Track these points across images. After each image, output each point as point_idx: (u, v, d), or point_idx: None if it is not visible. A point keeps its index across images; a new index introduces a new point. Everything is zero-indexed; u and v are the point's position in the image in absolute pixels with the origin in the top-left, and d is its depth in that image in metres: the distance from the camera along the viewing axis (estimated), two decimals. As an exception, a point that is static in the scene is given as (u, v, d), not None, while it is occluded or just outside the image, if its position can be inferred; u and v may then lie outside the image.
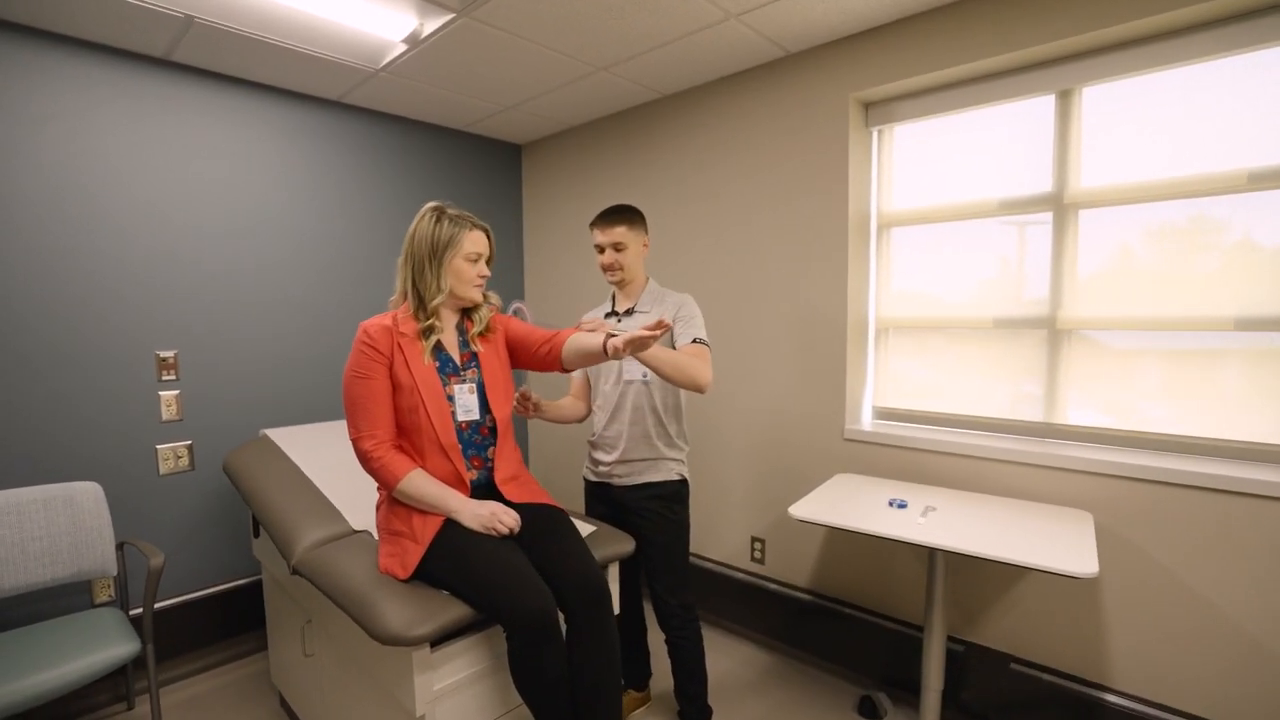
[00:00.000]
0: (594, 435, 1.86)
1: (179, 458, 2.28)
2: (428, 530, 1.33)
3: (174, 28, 1.94)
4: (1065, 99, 1.83)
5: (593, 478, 1.88)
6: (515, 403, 1.66)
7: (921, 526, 1.55)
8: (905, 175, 2.17)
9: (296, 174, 2.54)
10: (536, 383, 3.44)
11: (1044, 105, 1.87)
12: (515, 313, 1.72)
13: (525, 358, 1.57)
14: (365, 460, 1.37)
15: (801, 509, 1.70)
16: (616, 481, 1.80)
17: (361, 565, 1.41)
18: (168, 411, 2.25)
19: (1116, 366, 1.80)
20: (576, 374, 1.90)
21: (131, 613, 2.07)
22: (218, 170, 2.33)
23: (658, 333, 1.30)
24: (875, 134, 2.21)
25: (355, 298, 2.73)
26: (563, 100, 2.64)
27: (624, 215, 1.76)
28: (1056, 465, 1.77)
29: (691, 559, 2.38)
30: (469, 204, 3.15)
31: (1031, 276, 1.92)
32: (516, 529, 1.36)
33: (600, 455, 1.83)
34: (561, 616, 1.31)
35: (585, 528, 1.65)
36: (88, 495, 1.94)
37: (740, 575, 2.50)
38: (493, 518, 1.33)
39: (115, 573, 1.97)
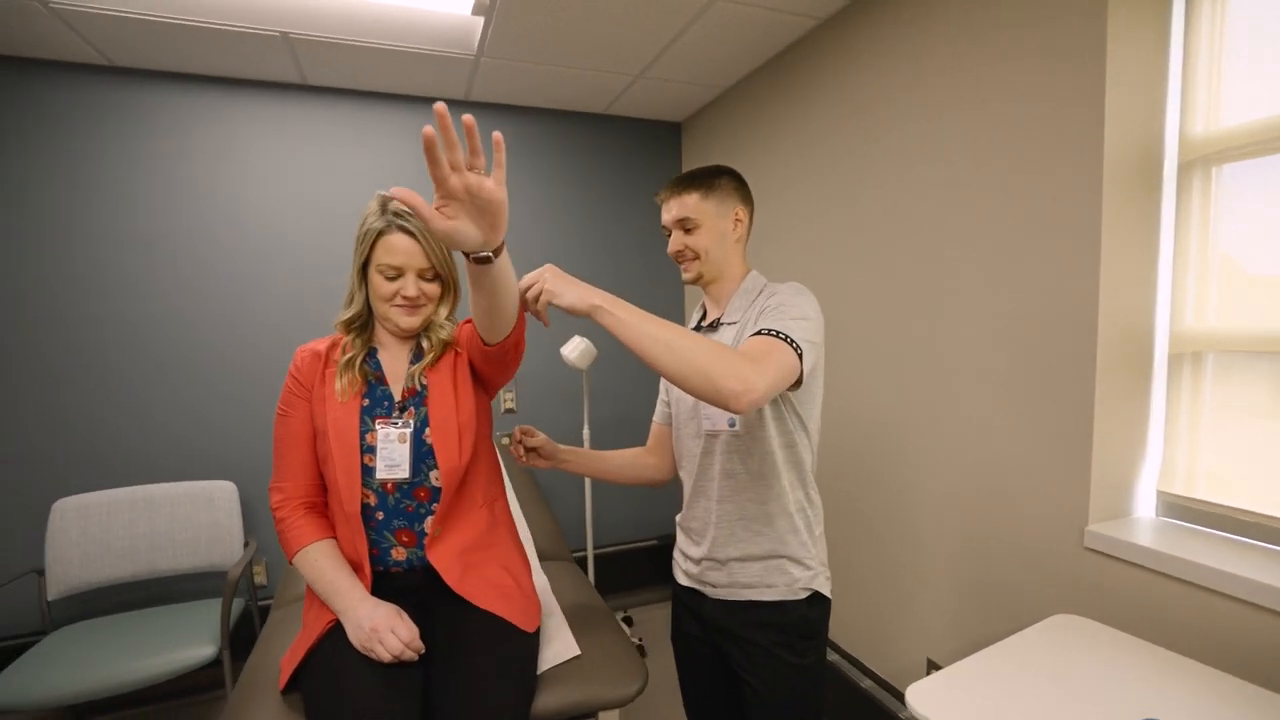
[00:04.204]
0: (680, 514, 1.24)
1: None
2: (317, 628, 1.01)
3: (279, 47, 1.98)
4: None
5: (683, 580, 1.21)
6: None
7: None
8: (1244, 66, 1.13)
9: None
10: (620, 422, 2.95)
11: None
12: None
13: (479, 362, 1.10)
14: (273, 517, 1.10)
15: (924, 696, 0.92)
16: (710, 593, 1.14)
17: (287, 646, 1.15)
18: (309, 417, 2.38)
19: None
20: (659, 417, 1.31)
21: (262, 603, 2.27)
22: (362, 184, 2.39)
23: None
24: (1176, -6, 1.20)
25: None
26: (694, 54, 2.11)
27: (697, 181, 1.11)
28: None
29: (844, 668, 1.43)
30: (622, 192, 2.81)
31: None
32: (409, 656, 0.94)
33: (687, 547, 1.19)
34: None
35: (566, 648, 1.15)
36: (223, 493, 2.12)
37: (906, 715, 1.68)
38: (373, 637, 0.93)
39: (241, 567, 2.12)
